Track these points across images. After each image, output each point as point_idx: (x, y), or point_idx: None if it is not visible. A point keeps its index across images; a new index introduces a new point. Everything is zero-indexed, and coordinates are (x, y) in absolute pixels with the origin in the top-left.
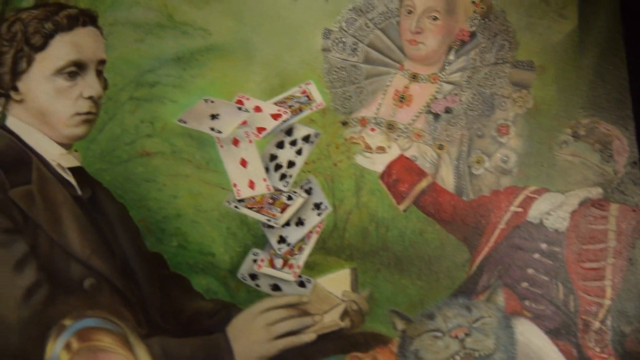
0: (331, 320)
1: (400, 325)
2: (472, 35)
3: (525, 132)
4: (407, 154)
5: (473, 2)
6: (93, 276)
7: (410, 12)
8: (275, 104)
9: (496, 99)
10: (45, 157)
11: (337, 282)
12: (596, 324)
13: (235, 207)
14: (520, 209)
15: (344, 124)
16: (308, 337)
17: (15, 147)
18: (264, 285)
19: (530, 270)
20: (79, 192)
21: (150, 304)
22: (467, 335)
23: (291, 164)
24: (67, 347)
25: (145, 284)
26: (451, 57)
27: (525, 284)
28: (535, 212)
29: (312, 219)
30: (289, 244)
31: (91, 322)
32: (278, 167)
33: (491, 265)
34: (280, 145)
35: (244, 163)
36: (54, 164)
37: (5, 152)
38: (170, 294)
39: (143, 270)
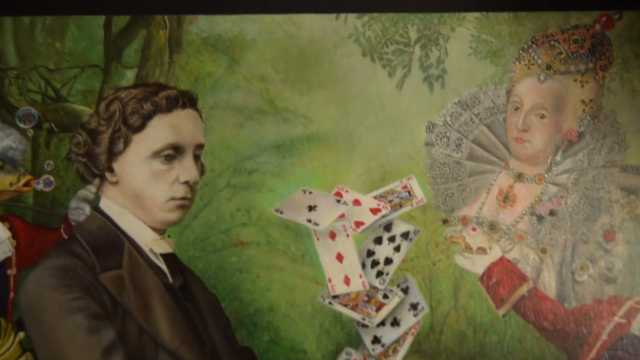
0: None
1: None
2: (581, 135)
3: (632, 238)
4: (509, 256)
5: (582, 101)
6: None
7: (517, 109)
8: (375, 197)
9: (603, 203)
10: (137, 242)
11: None
12: None
13: (330, 303)
14: (624, 320)
15: (445, 222)
16: None
17: (108, 230)
18: None
19: None
20: (170, 279)
21: None
22: None
23: (388, 261)
24: None
25: None
26: (558, 157)
27: None
28: None
29: (408, 320)
30: (383, 345)
31: None
32: (375, 263)
33: None
34: (378, 241)
35: (340, 258)
36: (146, 249)
37: (97, 235)
38: None
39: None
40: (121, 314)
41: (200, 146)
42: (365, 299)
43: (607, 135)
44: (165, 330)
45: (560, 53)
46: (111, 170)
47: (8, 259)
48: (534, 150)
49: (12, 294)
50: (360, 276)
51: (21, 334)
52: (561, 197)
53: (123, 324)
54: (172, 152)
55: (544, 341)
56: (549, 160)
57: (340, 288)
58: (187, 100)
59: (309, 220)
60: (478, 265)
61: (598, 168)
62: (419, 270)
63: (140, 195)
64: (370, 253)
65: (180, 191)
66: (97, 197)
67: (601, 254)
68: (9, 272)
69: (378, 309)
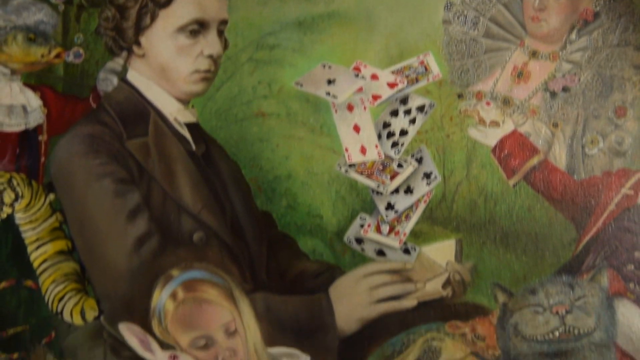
0: (433, 288)
1: (501, 298)
2: (596, 15)
3: None
4: (521, 130)
5: None
6: (203, 230)
7: None
8: (392, 72)
9: (615, 81)
10: (162, 112)
11: (441, 252)
12: None
13: (346, 171)
14: (631, 192)
15: (460, 96)
16: (409, 303)
17: (135, 100)
18: (369, 250)
19: (637, 254)
20: (194, 147)
21: (256, 261)
22: (568, 312)
23: (403, 133)
24: (173, 296)
25: (253, 241)
26: (573, 36)
27: (631, 267)
28: None
29: (421, 188)
30: (396, 211)
31: (198, 274)
32: (390, 134)
33: (598, 246)
34: (394, 113)
35: (357, 129)
36: (171, 118)
37: (124, 105)
38: (277, 252)
39: (252, 227)
40: (146, 179)
41: (224, 22)
42: (380, 167)
43: (623, 15)
44: (188, 195)
45: None
46: (138, 43)
47: (39, 126)
48: (549, 29)
49: (43, 159)
50: (376, 146)
51: (51, 196)
52: (574, 74)
53: (148, 189)
54: (197, 27)
55: (553, 211)
56: (564, 39)
57: (356, 157)
58: None
59: (328, 93)
60: (491, 137)
61: (612, 47)
62: (433, 142)
63: (165, 67)
64: (386, 125)
65: (204, 64)
66: (125, 69)
67: (612, 129)
68: (40, 138)
69: (392, 177)
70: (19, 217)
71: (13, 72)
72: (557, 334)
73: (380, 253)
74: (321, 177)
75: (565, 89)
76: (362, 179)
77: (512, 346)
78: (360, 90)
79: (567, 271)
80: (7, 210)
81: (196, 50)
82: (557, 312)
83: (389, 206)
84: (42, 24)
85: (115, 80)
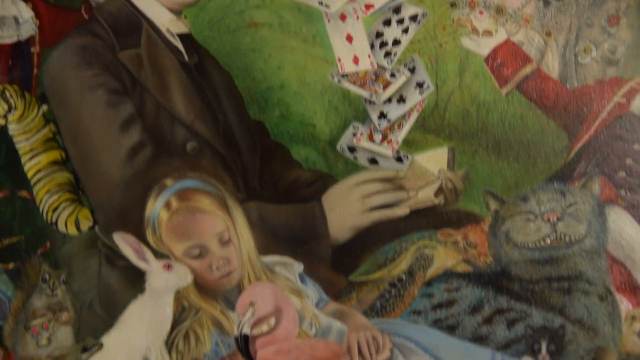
0: (425, 196)
1: (493, 205)
2: None
3: (636, 23)
4: (514, 39)
5: None
6: (195, 140)
7: None
8: None
9: None
10: (155, 22)
11: (434, 160)
12: None
13: (339, 81)
14: (624, 100)
15: (453, 5)
16: (402, 211)
17: (127, 10)
18: (362, 159)
19: (628, 160)
20: (186, 58)
21: (249, 170)
22: (559, 219)
23: (396, 42)
24: (167, 205)
25: (246, 150)
26: None
27: (622, 174)
28: (639, 104)
29: (414, 97)
30: (389, 120)
31: (191, 183)
32: (383, 44)
33: (589, 154)
34: (387, 23)
35: (349, 39)
36: (163, 29)
37: (116, 16)
38: (270, 161)
39: (245, 137)
40: (139, 90)
41: None
42: (373, 77)
43: None
44: (181, 105)
45: None
46: None
47: (32, 38)
48: None
49: (35, 70)
50: (369, 56)
51: (44, 107)
52: None
53: (141, 100)
54: None
55: (545, 119)
56: None
57: (349, 67)
58: None
59: (321, 3)
60: (483, 47)
61: None
62: (425, 51)
63: None
64: (379, 34)
65: None
66: None
67: (605, 37)
68: (32, 49)
69: (385, 86)
70: (13, 128)
71: None
72: (548, 241)
73: (373, 161)
74: (314, 86)
75: None
76: (355, 89)
77: (504, 253)
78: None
79: (559, 178)
80: (0, 121)
81: None
82: (548, 220)
83: (382, 115)
84: None
85: None
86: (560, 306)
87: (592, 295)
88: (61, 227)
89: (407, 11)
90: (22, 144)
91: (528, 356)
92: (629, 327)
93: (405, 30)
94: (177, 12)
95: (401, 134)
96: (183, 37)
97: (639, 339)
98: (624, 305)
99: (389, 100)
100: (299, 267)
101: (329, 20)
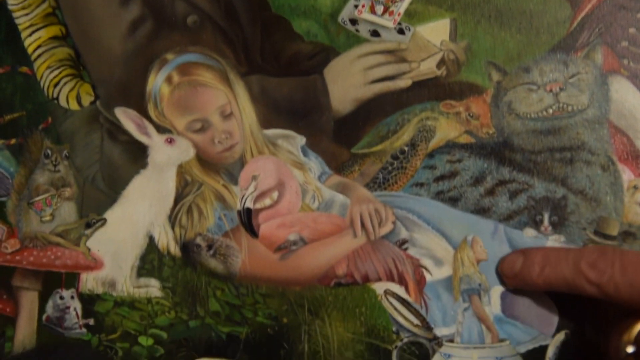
0: (427, 68)
1: (496, 76)
2: None
3: None
4: None
5: None
6: (196, 13)
7: None
8: None
9: None
10: None
11: (436, 31)
12: None
13: None
14: None
15: None
16: (404, 82)
17: None
18: (364, 31)
19: (632, 30)
20: None
21: (251, 43)
22: (562, 89)
23: None
24: (169, 80)
25: (247, 23)
26: None
27: (625, 43)
28: None
29: None
30: None
31: (193, 57)
32: None
33: (592, 23)
34: None
35: None
36: None
37: None
38: (271, 34)
39: (245, 10)
40: None
41: None
42: None
43: None
44: None
45: None
46: None
47: None
48: None
49: None
50: None
51: None
52: None
53: None
54: None
55: None
56: None
57: None
58: None
59: None
60: None
61: None
62: None
63: None
64: None
65: None
66: None
67: None
68: None
69: None
70: (11, 3)
71: None
72: (550, 111)
73: (375, 33)
74: None
75: None
76: None
77: (506, 124)
78: None
79: (561, 48)
80: None
81: None
82: (550, 90)
83: None
84: None
85: None
86: (562, 177)
87: (594, 165)
88: (62, 102)
89: None
90: (22, 19)
91: (530, 227)
92: (631, 197)
93: None
94: None
95: (403, 6)
96: None
97: None
98: (626, 175)
99: None
100: (301, 140)
101: None
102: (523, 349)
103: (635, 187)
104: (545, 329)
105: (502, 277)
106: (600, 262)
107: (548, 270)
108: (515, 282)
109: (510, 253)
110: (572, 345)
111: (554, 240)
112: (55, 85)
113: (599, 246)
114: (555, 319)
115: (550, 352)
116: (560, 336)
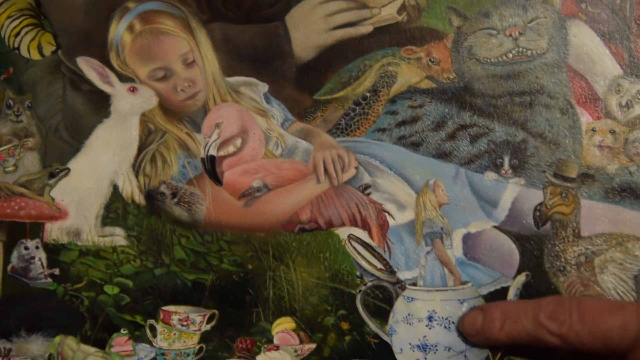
0: (389, 13)
1: (456, 21)
2: None
3: None
4: None
5: None
6: None
7: None
8: None
9: None
10: None
11: None
12: None
13: None
14: None
15: None
16: (365, 29)
17: None
18: None
19: None
20: None
21: None
22: (521, 34)
23: None
24: (130, 28)
25: None
26: None
27: None
28: None
29: None
30: None
31: (154, 5)
32: None
33: None
34: None
35: None
36: None
37: None
38: None
39: None
40: None
41: None
42: None
43: None
44: None
45: None
46: None
47: None
48: None
49: None
50: None
51: None
52: None
53: None
54: None
55: None
56: None
57: None
58: None
59: None
60: None
61: None
62: None
63: None
64: None
65: None
66: None
67: None
68: None
69: None
70: None
71: None
72: (510, 55)
73: None
74: None
75: None
76: None
77: (467, 69)
78: None
79: None
80: None
81: None
82: (510, 34)
83: None
84: None
85: None
86: (522, 120)
87: (554, 108)
88: (24, 52)
89: None
90: None
91: (491, 171)
92: (589, 139)
93: None
94: None
95: None
96: None
97: (599, 151)
98: (585, 118)
99: None
100: (263, 87)
101: None
102: (485, 290)
103: (593, 130)
104: (506, 270)
105: (464, 335)
106: (558, 313)
107: (508, 325)
108: (478, 339)
109: (469, 311)
110: (532, 287)
111: (514, 183)
112: (16, 35)
113: (555, 297)
114: (516, 261)
115: (512, 294)
116: (521, 277)
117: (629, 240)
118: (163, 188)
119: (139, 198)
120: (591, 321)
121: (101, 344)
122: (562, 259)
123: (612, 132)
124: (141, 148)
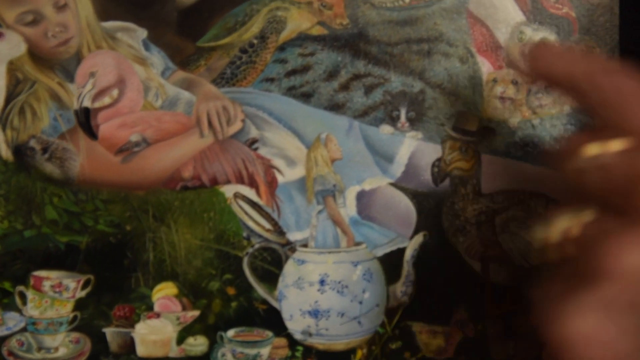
0: None
1: None
2: None
3: None
4: None
5: None
6: None
7: None
8: None
9: None
10: None
11: None
12: None
13: None
14: None
15: None
16: None
17: None
18: None
19: None
20: None
21: None
22: None
23: None
24: None
25: None
26: None
27: None
28: None
29: None
30: None
31: None
32: None
33: None
34: None
35: None
36: None
37: None
38: None
39: None
40: None
41: None
42: None
43: None
44: None
45: None
46: None
47: None
48: None
49: None
50: None
51: None
52: None
53: None
54: None
55: None
56: None
57: None
58: None
59: None
60: None
61: None
62: None
63: None
64: None
65: None
66: None
67: None
68: None
69: None
70: None
71: None
72: (407, 0)
73: None
74: None
75: None
76: None
77: (361, 14)
78: None
79: None
80: None
81: None
82: None
83: None
84: None
85: None
86: (419, 70)
87: (453, 57)
88: None
89: None
90: None
91: (387, 124)
92: (490, 90)
93: None
94: None
95: None
96: None
97: (500, 103)
98: (486, 67)
99: None
100: (142, 32)
101: None
102: (380, 252)
103: (494, 80)
104: (403, 230)
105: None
106: None
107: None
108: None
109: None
110: (430, 247)
111: (411, 137)
112: None
113: None
114: (413, 220)
115: (408, 255)
116: (419, 238)
117: (531, 198)
118: (33, 143)
119: (7, 154)
120: None
121: None
122: (462, 218)
123: (515, 82)
124: (8, 99)
